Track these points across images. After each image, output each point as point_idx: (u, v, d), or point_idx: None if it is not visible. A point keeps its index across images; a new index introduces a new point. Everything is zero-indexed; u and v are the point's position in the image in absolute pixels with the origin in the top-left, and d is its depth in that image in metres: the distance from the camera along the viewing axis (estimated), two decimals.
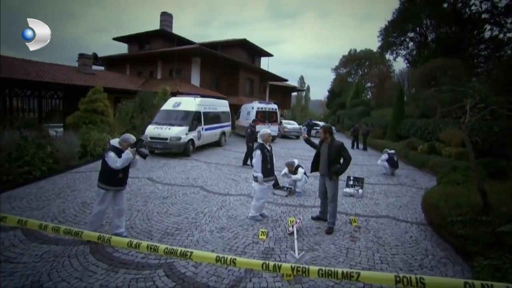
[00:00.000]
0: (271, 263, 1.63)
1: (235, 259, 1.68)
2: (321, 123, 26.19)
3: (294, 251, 3.70)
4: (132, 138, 4.18)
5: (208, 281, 3.21)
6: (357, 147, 17.15)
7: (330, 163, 4.76)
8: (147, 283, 3.15)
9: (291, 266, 1.58)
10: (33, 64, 15.91)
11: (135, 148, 4.10)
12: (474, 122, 4.75)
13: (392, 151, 10.27)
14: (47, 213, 5.02)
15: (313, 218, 5.27)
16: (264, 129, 5.46)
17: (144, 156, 4.31)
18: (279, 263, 1.63)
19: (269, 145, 5.28)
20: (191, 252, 1.69)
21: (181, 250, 1.71)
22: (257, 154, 5.06)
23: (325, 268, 1.53)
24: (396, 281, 1.44)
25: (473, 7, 23.50)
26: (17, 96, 15.43)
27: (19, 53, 15.37)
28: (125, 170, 4.17)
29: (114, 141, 4.23)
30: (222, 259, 1.66)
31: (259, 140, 5.26)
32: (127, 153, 4.01)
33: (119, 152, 4.05)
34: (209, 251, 3.91)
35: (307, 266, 1.57)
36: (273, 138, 18.03)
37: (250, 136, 9.76)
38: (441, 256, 3.97)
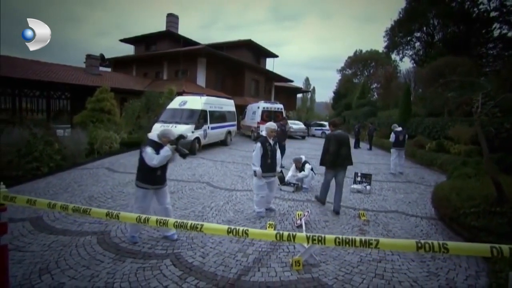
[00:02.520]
0: (285, 233, 1.58)
1: (248, 230, 1.64)
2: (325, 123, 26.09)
3: None
4: (172, 133, 3.79)
5: (216, 271, 3.17)
6: (359, 147, 16.90)
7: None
8: (154, 271, 3.12)
9: (306, 235, 1.53)
10: (42, 65, 16.16)
11: (174, 146, 3.71)
12: (488, 110, 4.63)
13: (399, 128, 9.67)
14: None
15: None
16: (270, 123, 5.29)
17: (184, 155, 3.84)
18: (294, 233, 1.58)
19: (273, 140, 5.03)
20: (202, 225, 1.65)
21: (191, 223, 1.68)
22: (257, 147, 4.84)
23: (342, 237, 1.47)
24: (417, 247, 1.38)
25: (481, 6, 23.21)
26: (26, 97, 15.69)
27: (27, 55, 15.63)
28: (163, 166, 3.78)
29: (153, 135, 3.84)
30: (234, 230, 1.61)
31: (263, 133, 5.09)
32: (166, 150, 3.58)
33: (157, 147, 3.65)
34: (218, 242, 3.88)
35: (323, 235, 1.52)
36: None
37: (280, 135, 9.60)
38: None
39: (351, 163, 5.49)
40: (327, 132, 26.26)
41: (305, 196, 6.35)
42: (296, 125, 22.98)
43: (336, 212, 5.23)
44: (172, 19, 27.04)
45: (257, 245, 3.81)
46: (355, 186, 7.02)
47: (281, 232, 1.61)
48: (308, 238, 1.52)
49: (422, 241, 1.40)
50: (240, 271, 3.17)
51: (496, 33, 23.50)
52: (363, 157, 13.10)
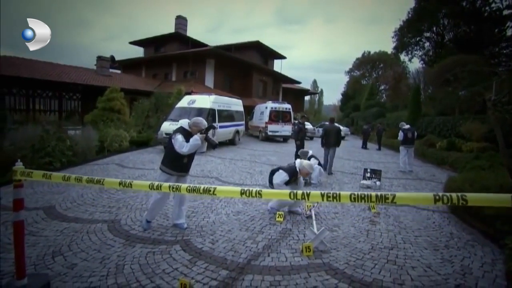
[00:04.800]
0: (299, 192, 1.57)
1: (261, 191, 1.63)
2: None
3: (314, 228, 3.62)
4: (203, 123, 3.76)
5: (226, 256, 3.16)
6: (366, 147, 16.61)
7: None
8: (164, 255, 3.14)
9: (321, 193, 1.51)
10: (54, 66, 16.55)
11: (204, 135, 3.67)
12: (500, 106, 4.55)
13: (407, 126, 9.57)
14: (67, 197, 5.14)
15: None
16: (309, 164, 4.74)
17: (213, 145, 3.83)
18: (308, 191, 1.56)
19: (303, 178, 4.78)
20: (215, 188, 1.66)
21: (204, 187, 1.68)
22: (282, 177, 4.56)
23: (357, 193, 1.45)
24: (435, 200, 1.35)
25: (493, 4, 22.73)
26: (39, 97, 16.07)
27: (39, 57, 16.12)
28: (191, 155, 3.79)
29: (184, 123, 3.83)
30: (247, 192, 1.61)
31: (297, 166, 4.66)
32: (196, 139, 3.55)
33: (187, 135, 3.65)
34: (227, 230, 3.88)
35: (338, 192, 1.50)
36: (287, 138, 17.91)
37: (297, 134, 9.69)
38: (467, 239, 3.78)
39: (337, 145, 8.42)
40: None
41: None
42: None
43: (329, 173, 7.97)
44: (180, 21, 27.36)
45: (267, 233, 3.80)
46: (364, 181, 6.94)
47: (295, 191, 1.60)
48: (322, 195, 1.50)
49: (440, 194, 1.37)
50: (250, 256, 3.16)
51: (509, 32, 22.97)
52: (372, 157, 12.96)
